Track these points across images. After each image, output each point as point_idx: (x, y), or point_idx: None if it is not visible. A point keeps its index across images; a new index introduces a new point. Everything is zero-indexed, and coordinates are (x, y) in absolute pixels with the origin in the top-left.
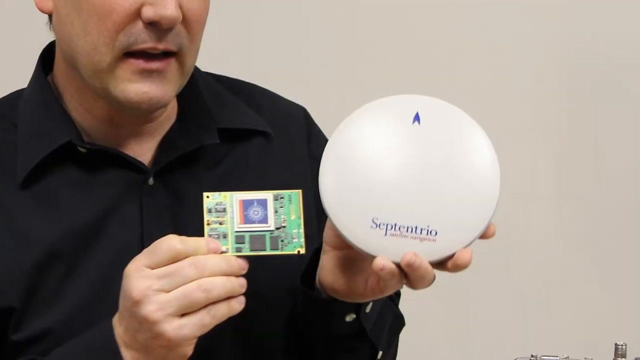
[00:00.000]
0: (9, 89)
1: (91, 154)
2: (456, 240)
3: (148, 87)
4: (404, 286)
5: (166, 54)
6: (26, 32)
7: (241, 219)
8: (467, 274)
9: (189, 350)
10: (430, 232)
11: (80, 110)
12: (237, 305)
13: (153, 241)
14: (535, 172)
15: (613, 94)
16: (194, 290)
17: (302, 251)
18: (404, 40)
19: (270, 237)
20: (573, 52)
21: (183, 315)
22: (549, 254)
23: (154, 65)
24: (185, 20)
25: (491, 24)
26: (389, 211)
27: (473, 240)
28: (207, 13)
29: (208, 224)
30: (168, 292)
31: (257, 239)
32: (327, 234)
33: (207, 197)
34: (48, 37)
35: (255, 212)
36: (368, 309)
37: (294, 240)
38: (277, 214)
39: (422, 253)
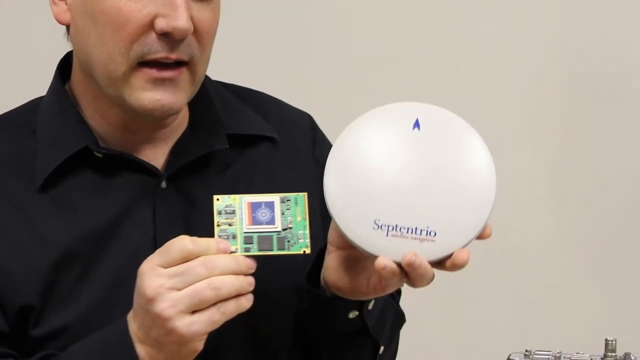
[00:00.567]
0: (28, 96)
1: (107, 159)
2: (454, 240)
3: (161, 95)
4: (405, 284)
5: (178, 64)
6: (45, 43)
7: (249, 221)
8: (465, 273)
9: (200, 345)
10: (430, 233)
11: (97, 117)
12: (246, 302)
13: (165, 242)
14: (530, 176)
15: (608, 99)
16: (205, 289)
17: (308, 251)
18: (405, 50)
19: (277, 238)
20: (569, 60)
21: (194, 312)
22: (543, 255)
23: (167, 74)
24: (196, 32)
25: (490, 32)
26: (390, 213)
27: (470, 241)
28: (217, 25)
29: (218, 225)
30: (180, 290)
31: (264, 240)
32: (331, 235)
33: (217, 199)
34: (66, 48)
35: (263, 214)
36: (370, 306)
37: (300, 240)
38: (284, 216)
39: (421, 253)
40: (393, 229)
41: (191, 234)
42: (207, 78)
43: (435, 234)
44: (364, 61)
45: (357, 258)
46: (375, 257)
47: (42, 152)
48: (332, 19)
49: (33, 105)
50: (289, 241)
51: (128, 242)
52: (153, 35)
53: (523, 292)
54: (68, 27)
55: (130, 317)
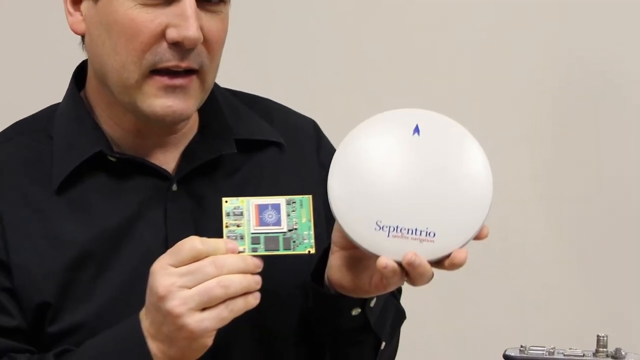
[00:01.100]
0: (45, 103)
1: (120, 163)
2: (453, 241)
3: (172, 102)
4: (405, 283)
5: (188, 72)
6: (61, 52)
7: (257, 222)
8: (463, 272)
9: (209, 341)
10: (429, 233)
11: (110, 123)
12: (253, 300)
13: (176, 242)
14: (525, 179)
15: (599, 104)
16: (214, 287)
17: (313, 251)
18: (405, 59)
19: (283, 238)
20: (561, 66)
21: (204, 309)
22: (538, 254)
23: (178, 81)
24: (205, 41)
25: (486, 41)
26: (391, 215)
27: (468, 241)
28: (226, 34)
29: (226, 227)
30: (190, 288)
31: (271, 240)
32: (335, 236)
33: (226, 202)
34: (81, 57)
35: (269, 215)
36: (372, 304)
37: (305, 241)
38: (290, 217)
39: (421, 253)
40: (394, 229)
41: (201, 235)
42: (216, 85)
43: (434, 235)
44: (366, 69)
45: (359, 258)
46: (377, 256)
47: (59, 157)
48: (336, 31)
49: (50, 112)
50: (294, 241)
51: (140, 242)
52: (164, 45)
53: (518, 291)
54: (83, 37)
55: (142, 314)
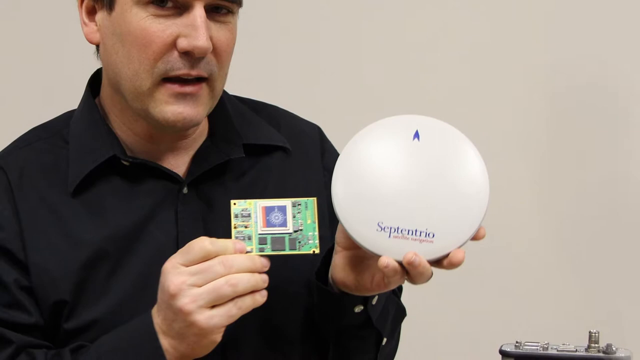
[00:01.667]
0: (61, 109)
1: (133, 167)
2: (451, 241)
3: (183, 109)
4: (405, 281)
5: (198, 79)
6: (76, 61)
7: (264, 223)
8: (460, 272)
9: (219, 337)
10: (429, 234)
11: (124, 129)
12: (260, 298)
13: (187, 242)
14: (519, 183)
15: (591, 112)
16: (223, 285)
17: (317, 251)
18: (406, 68)
19: (289, 239)
20: (555, 77)
21: (213, 306)
22: (533, 254)
23: (188, 89)
24: (215, 50)
25: (484, 53)
26: (392, 216)
27: (466, 242)
28: (234, 44)
29: (235, 228)
30: (200, 286)
31: (277, 241)
32: (338, 236)
33: (234, 204)
34: (95, 65)
35: (276, 217)
36: (374, 301)
37: (310, 241)
38: (295, 219)
39: (421, 253)
40: (395, 230)
41: (210, 236)
42: (225, 92)
43: (433, 236)
44: (368, 78)
45: (362, 257)
46: (378, 256)
47: (74, 161)
48: (339, 43)
49: (66, 118)
50: (299, 242)
51: (153, 242)
52: (175, 54)
53: (514, 289)
54: (98, 46)
55: (154, 311)
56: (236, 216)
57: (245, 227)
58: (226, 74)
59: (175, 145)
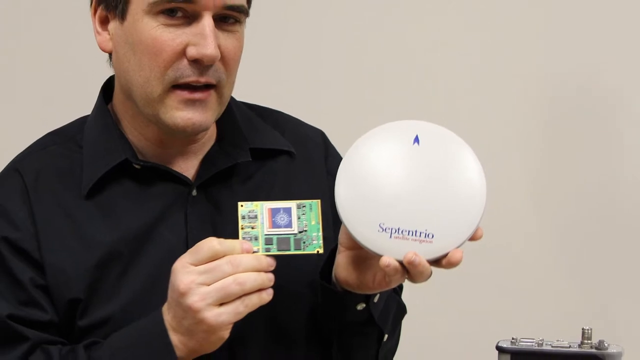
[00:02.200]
0: (75, 115)
1: (144, 170)
2: (450, 242)
3: (192, 114)
4: (406, 280)
5: (207, 86)
6: (90, 68)
7: (270, 224)
8: (459, 271)
9: (226, 334)
10: (428, 235)
11: (135, 133)
12: (267, 296)
13: (196, 243)
14: (516, 186)
15: (583, 118)
16: (230, 284)
17: (321, 251)
18: (406, 76)
19: (294, 239)
20: (549, 84)
21: (221, 304)
22: (528, 254)
23: (197, 95)
24: (223, 58)
25: (482, 62)
26: (393, 217)
27: (464, 242)
28: (241, 52)
29: (242, 228)
30: (209, 285)
31: (283, 241)
32: (341, 237)
33: (242, 206)
34: (108, 72)
35: (281, 218)
36: (376, 299)
37: (314, 242)
38: (300, 220)
39: (421, 253)
40: (396, 231)
41: (218, 236)
42: (232, 99)
43: (433, 236)
44: (370, 85)
45: (364, 257)
46: (380, 256)
47: (88, 164)
48: (342, 52)
49: (80, 123)
50: (304, 242)
51: (163, 243)
52: (185, 62)
53: (510, 288)
54: (110, 55)
55: (165, 309)
56: (243, 217)
57: (252, 228)
58: (234, 81)
59: (184, 149)
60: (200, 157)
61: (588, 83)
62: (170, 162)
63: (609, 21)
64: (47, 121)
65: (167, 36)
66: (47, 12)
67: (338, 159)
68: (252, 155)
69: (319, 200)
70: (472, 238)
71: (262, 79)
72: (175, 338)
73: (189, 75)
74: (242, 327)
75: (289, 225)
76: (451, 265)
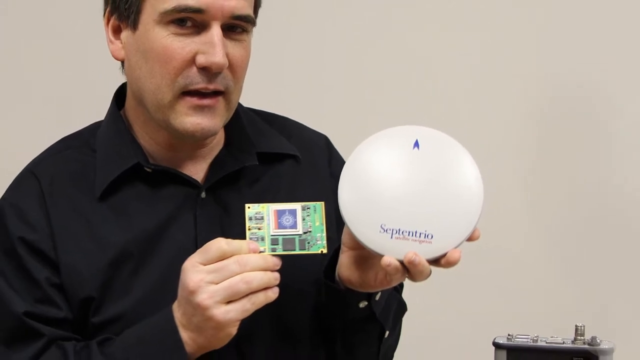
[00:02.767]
0: (89, 120)
1: (155, 173)
2: (448, 242)
3: (201, 120)
4: (406, 279)
5: (215, 93)
6: (103, 76)
7: (275, 225)
8: (457, 270)
9: (234, 330)
10: (427, 235)
11: (146, 138)
12: (272, 294)
13: (205, 243)
14: (512, 188)
15: (576, 123)
16: (238, 282)
17: (325, 251)
18: (407, 82)
19: (299, 240)
20: (543, 91)
21: (229, 302)
22: (524, 254)
23: (206, 102)
24: (230, 66)
25: (478, 68)
26: (394, 219)
27: (462, 242)
28: (249, 60)
29: (249, 229)
30: (217, 283)
31: (288, 241)
32: (344, 237)
33: (248, 207)
34: (120, 79)
35: (287, 219)
36: (377, 297)
37: (318, 242)
38: (305, 221)
39: (421, 253)
40: (396, 232)
41: (226, 237)
42: (240, 105)
43: (432, 237)
44: (372, 91)
45: (366, 257)
46: (381, 256)
47: (101, 168)
48: (345, 59)
49: (93, 128)
50: (308, 242)
51: (173, 243)
52: (194, 69)
53: (506, 286)
54: (123, 62)
55: (175, 306)
56: (250, 219)
57: (259, 228)
58: (241, 88)
59: (194, 153)
60: (209, 160)
61: (584, 86)
62: (180, 166)
63: (602, 31)
64: (62, 126)
65: (177, 45)
66: (65, 25)
67: (341, 162)
68: (259, 159)
69: (323, 203)
70: (470, 239)
71: (270, 86)
72: (185, 334)
73: (198, 82)
74: (249, 324)
75: (294, 226)
76: (450, 264)
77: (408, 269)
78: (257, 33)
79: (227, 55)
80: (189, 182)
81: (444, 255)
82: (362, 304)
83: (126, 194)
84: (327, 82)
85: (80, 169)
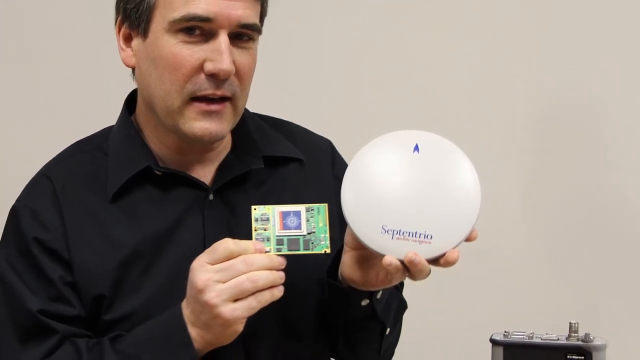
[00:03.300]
0: (101, 125)
1: (165, 176)
2: (447, 242)
3: (209, 125)
4: (406, 278)
5: (223, 99)
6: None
7: (281, 226)
8: (455, 270)
9: (240, 327)
10: (427, 236)
11: (156, 142)
12: (278, 292)
13: (213, 243)
14: (508, 191)
15: (571, 127)
16: (244, 281)
17: (328, 251)
18: (407, 87)
19: (303, 240)
20: (540, 96)
21: (236, 300)
22: (519, 254)
23: (214, 107)
24: (237, 73)
25: (477, 75)
26: (395, 220)
27: (460, 243)
28: (255, 67)
29: (255, 230)
30: (224, 282)
31: (293, 242)
32: (347, 238)
33: (255, 209)
34: (131, 86)
35: (291, 220)
36: (379, 296)
37: (322, 242)
38: (309, 222)
39: (420, 253)
40: (397, 233)
41: (233, 237)
42: (246, 110)
43: (431, 237)
44: (373, 97)
45: (367, 257)
46: (382, 256)
47: (112, 171)
48: (347, 65)
49: (105, 133)
50: (312, 243)
51: (182, 243)
52: (202, 76)
53: (503, 285)
54: (134, 69)
55: (183, 304)
56: (256, 220)
57: (264, 229)
58: (247, 94)
59: (202, 157)
60: (216, 164)
61: (582, 88)
62: (188, 169)
63: (598, 39)
64: (75, 131)
65: (186, 52)
66: (79, 34)
67: (344, 165)
68: (264, 162)
69: (327, 204)
70: (468, 239)
71: (275, 92)
72: (193, 331)
73: (206, 88)
74: (255, 322)
75: (299, 227)
76: (448, 264)
77: (408, 269)
78: (259, 38)
79: (234, 62)
80: (197, 184)
81: (443, 255)
82: (364, 302)
83: (137, 196)
84: (329, 84)
85: (93, 172)
